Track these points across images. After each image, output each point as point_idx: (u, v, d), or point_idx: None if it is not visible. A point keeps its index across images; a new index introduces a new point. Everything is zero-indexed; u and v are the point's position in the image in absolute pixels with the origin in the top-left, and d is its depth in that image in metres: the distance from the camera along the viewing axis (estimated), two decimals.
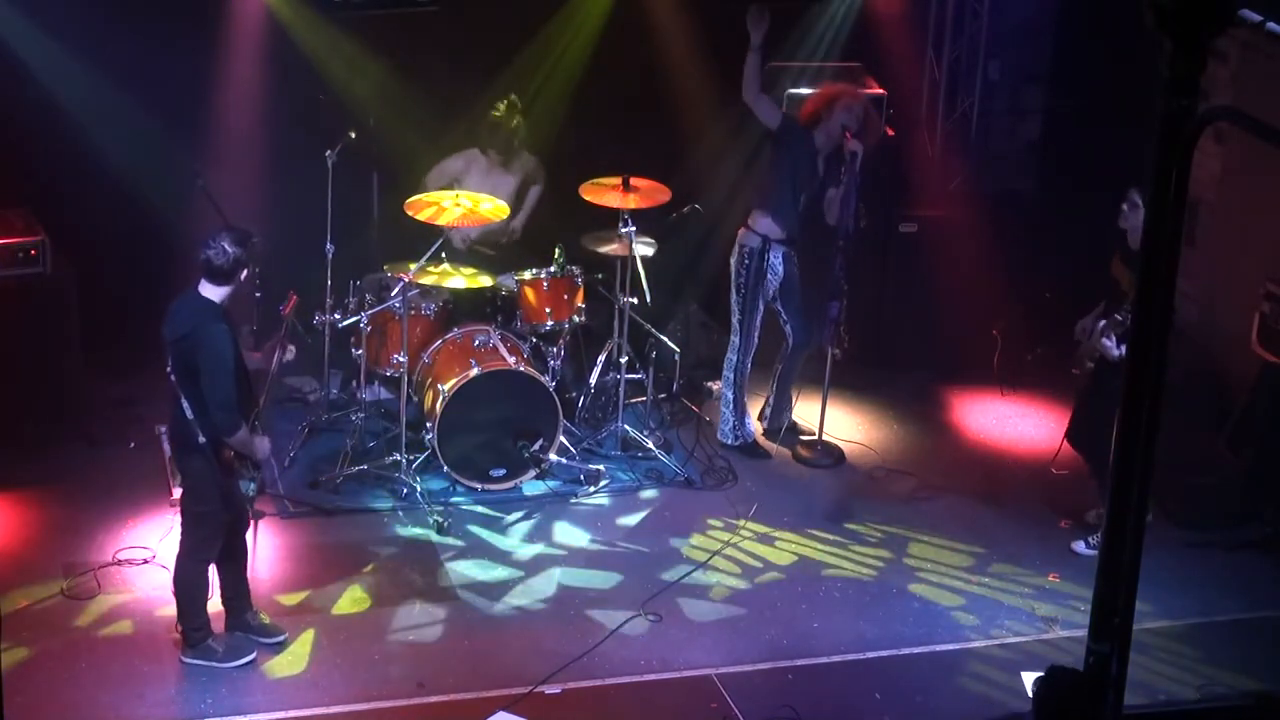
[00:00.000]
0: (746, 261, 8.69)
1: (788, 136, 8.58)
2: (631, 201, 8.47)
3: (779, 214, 8.64)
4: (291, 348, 7.13)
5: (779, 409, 9.13)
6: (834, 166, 8.59)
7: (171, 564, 7.41)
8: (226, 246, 6.49)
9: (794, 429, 9.12)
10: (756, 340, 8.89)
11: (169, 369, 6.63)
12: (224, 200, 8.33)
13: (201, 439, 6.54)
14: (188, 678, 6.75)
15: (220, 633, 6.91)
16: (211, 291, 6.55)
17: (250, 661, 6.86)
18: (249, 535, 6.99)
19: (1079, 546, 8.06)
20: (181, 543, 6.85)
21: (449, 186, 8.58)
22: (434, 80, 9.35)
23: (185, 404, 6.53)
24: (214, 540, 6.79)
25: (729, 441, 8.96)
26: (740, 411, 8.97)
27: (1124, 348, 7.33)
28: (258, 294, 8.55)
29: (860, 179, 8.41)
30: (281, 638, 7.07)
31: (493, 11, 9.56)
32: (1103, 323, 7.69)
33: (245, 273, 6.64)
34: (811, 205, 8.69)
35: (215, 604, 6.96)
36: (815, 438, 8.97)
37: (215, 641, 6.84)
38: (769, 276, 8.72)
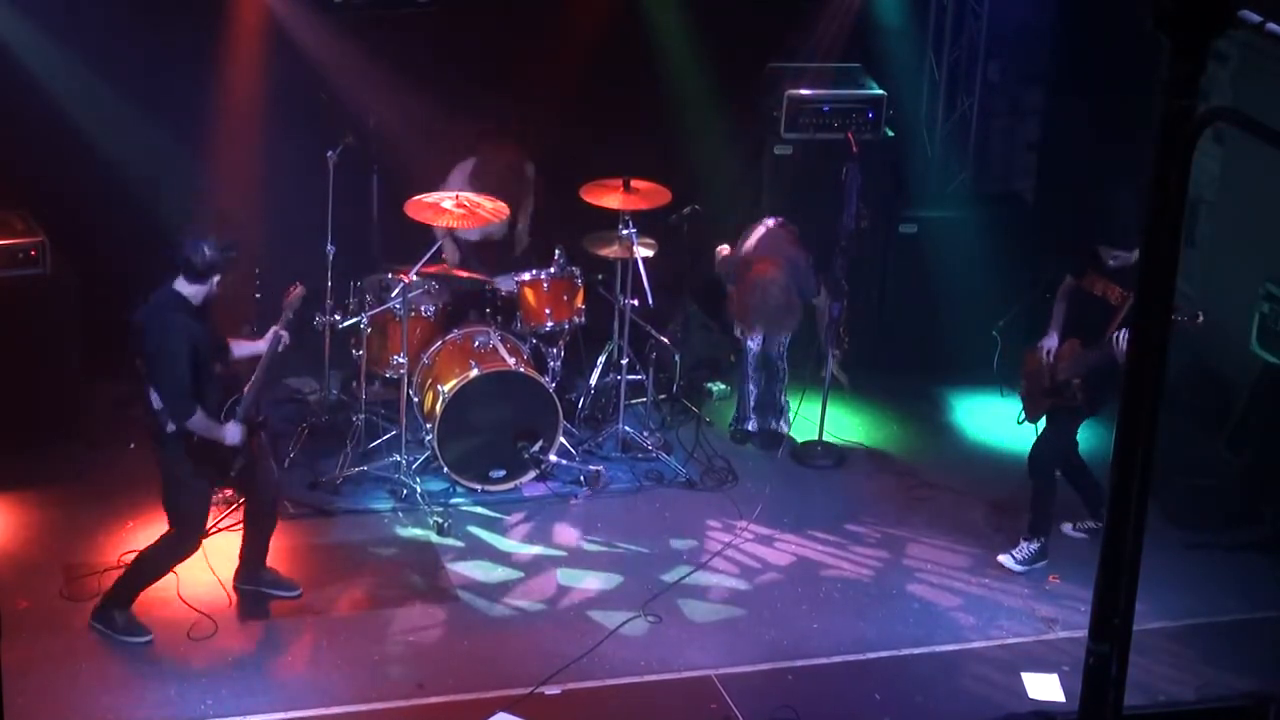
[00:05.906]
0: None
1: None
2: (632, 203, 8.47)
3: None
4: (285, 333, 7.03)
5: (768, 412, 9.18)
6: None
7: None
8: (205, 248, 6.56)
9: (777, 436, 9.09)
10: (753, 344, 8.92)
11: (139, 360, 6.71)
12: (224, 201, 8.33)
13: (170, 428, 6.61)
14: (188, 678, 6.75)
15: (128, 610, 6.94)
16: (184, 286, 6.62)
17: (146, 642, 6.90)
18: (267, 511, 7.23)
19: (1007, 560, 7.96)
20: (167, 533, 6.94)
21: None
22: (434, 80, 9.34)
23: (152, 393, 6.61)
24: (194, 535, 6.91)
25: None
26: (742, 408, 9.10)
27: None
28: (258, 295, 8.55)
29: (861, 180, 8.46)
30: (297, 592, 7.30)
31: (492, 11, 9.55)
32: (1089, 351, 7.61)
33: (218, 278, 6.66)
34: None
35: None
36: (816, 439, 8.97)
37: (120, 614, 6.91)
38: None
